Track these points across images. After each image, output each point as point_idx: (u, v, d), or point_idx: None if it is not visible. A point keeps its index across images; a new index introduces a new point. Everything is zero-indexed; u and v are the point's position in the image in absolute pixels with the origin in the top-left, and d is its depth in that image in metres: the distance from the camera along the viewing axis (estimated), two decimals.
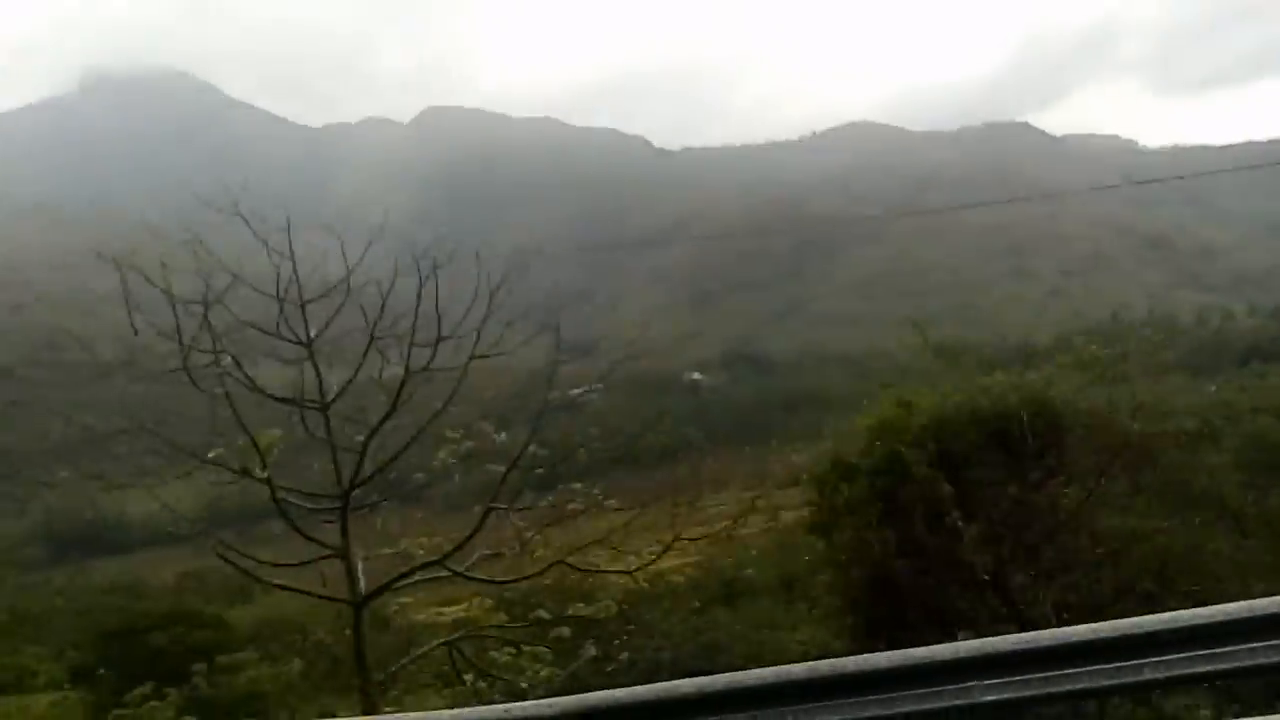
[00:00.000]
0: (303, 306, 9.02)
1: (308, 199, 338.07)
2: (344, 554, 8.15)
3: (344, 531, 8.24)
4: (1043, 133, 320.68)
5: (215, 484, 9.91)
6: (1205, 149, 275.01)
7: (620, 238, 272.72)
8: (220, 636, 26.29)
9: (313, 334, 9.02)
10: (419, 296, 9.22)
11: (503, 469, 9.13)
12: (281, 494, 8.22)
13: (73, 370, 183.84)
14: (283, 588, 9.75)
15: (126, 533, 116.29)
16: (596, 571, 10.59)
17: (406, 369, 8.98)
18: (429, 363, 9.11)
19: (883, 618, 10.58)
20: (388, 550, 9.30)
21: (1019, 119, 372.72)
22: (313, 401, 8.66)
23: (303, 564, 8.82)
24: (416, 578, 8.59)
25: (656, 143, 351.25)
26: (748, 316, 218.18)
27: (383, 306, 9.42)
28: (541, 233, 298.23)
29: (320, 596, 8.97)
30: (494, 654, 10.03)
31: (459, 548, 8.76)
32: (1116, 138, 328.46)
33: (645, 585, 13.09)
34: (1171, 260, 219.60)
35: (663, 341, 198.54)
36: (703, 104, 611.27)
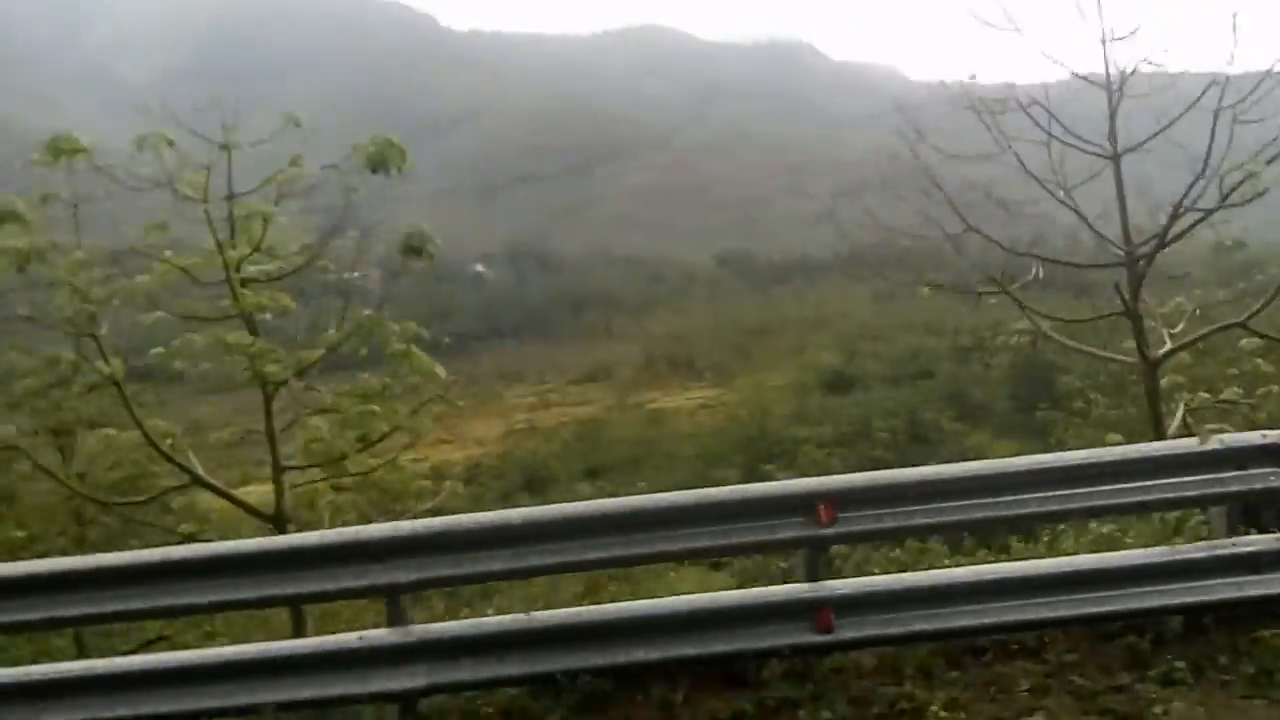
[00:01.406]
0: None
1: (53, 48, 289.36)
2: None
3: None
4: (825, 56, 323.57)
5: None
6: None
7: (403, 119, 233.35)
8: None
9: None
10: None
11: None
12: None
13: None
14: None
15: None
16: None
17: None
18: None
19: None
20: None
21: (803, 39, 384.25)
22: None
23: None
24: None
25: (444, 21, 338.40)
26: (533, 212, 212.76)
27: None
28: (316, 104, 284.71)
29: None
30: None
31: None
32: (890, 68, 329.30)
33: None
34: (932, 192, 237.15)
35: (445, 231, 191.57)
36: None
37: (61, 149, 7.99)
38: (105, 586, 4.50)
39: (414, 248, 8.60)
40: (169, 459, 8.00)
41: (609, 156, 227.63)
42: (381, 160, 8.34)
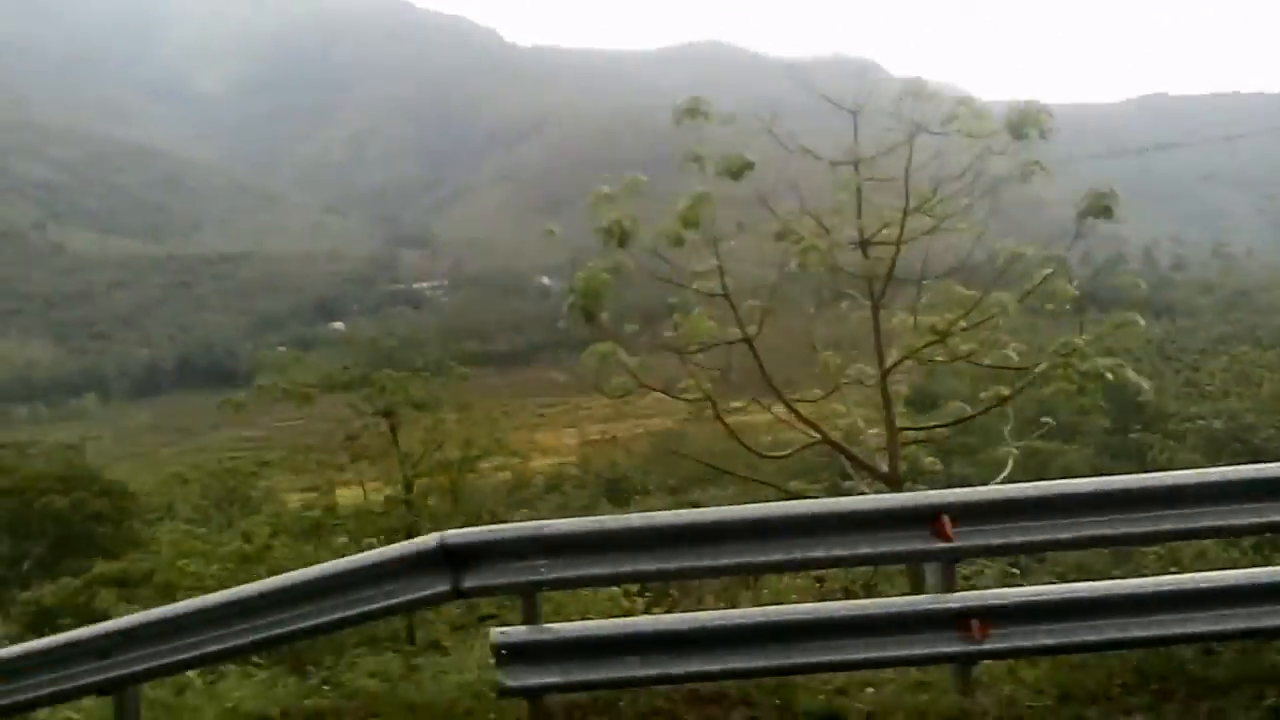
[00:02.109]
0: None
1: (125, 57, 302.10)
2: None
3: None
4: (887, 72, 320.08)
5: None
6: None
7: (466, 131, 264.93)
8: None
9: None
10: None
11: None
12: None
13: None
14: None
15: None
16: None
17: None
18: None
19: None
20: None
21: (866, 56, 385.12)
22: None
23: None
24: None
25: (508, 36, 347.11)
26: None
27: None
28: (380, 117, 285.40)
29: None
30: None
31: None
32: (953, 86, 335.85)
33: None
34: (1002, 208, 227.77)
35: (509, 243, 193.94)
36: (555, 1, 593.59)
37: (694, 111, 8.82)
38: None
39: (1101, 208, 8.27)
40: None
41: (671, 170, 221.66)
42: (1024, 125, 8.37)
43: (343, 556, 6.22)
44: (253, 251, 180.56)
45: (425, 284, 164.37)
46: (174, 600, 7.35)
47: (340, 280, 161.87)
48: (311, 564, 5.42)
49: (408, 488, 13.33)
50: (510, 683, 4.45)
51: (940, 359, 9.34)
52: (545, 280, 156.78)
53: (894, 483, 8.70)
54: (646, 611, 7.85)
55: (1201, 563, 7.86)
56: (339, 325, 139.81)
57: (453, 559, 4.56)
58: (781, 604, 5.63)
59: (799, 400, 9.79)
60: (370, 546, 8.88)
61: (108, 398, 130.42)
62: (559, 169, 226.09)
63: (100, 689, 4.82)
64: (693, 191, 9.09)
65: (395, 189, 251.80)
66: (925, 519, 4.52)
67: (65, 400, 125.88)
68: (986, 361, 9.03)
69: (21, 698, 4.81)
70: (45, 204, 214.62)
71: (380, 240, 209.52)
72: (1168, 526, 4.56)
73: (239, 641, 4.74)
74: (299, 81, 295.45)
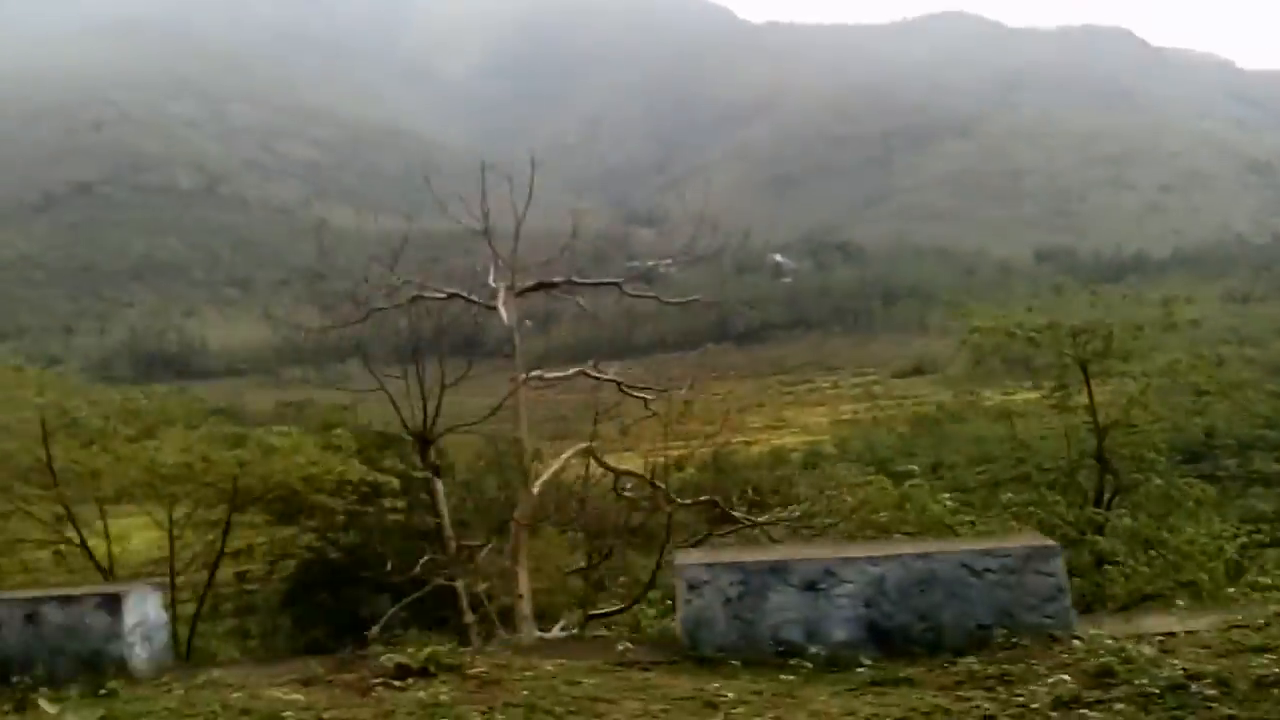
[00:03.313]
0: None
1: (379, 44, 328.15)
2: None
3: None
4: (1142, 41, 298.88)
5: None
6: None
7: (698, 110, 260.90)
8: None
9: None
10: None
11: None
12: None
13: (152, 193, 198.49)
14: None
15: (211, 359, 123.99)
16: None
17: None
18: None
19: None
20: None
21: (1119, 24, 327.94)
22: None
23: None
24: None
25: (741, 13, 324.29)
26: (830, 203, 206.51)
27: None
28: (616, 97, 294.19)
29: None
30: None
31: None
32: (1213, 55, 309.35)
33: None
34: (1274, 186, 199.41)
35: (741, 221, 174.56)
36: None
37: None
38: None
39: None
40: None
41: (908, 146, 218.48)
42: None
43: None
44: (496, 229, 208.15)
45: (658, 261, 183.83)
46: None
47: (576, 258, 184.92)
48: None
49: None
50: None
51: None
52: (779, 258, 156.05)
53: None
54: None
55: None
56: (579, 300, 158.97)
57: None
58: None
59: None
60: None
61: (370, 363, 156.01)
62: (791, 145, 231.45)
63: None
64: None
65: (628, 169, 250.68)
66: None
67: (331, 364, 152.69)
68: None
69: None
70: (311, 182, 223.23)
71: (613, 219, 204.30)
72: None
73: None
74: (538, 66, 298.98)
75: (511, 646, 6.41)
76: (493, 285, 9.63)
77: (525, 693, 4.68)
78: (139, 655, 6.32)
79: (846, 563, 5.31)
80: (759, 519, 11.11)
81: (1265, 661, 4.25)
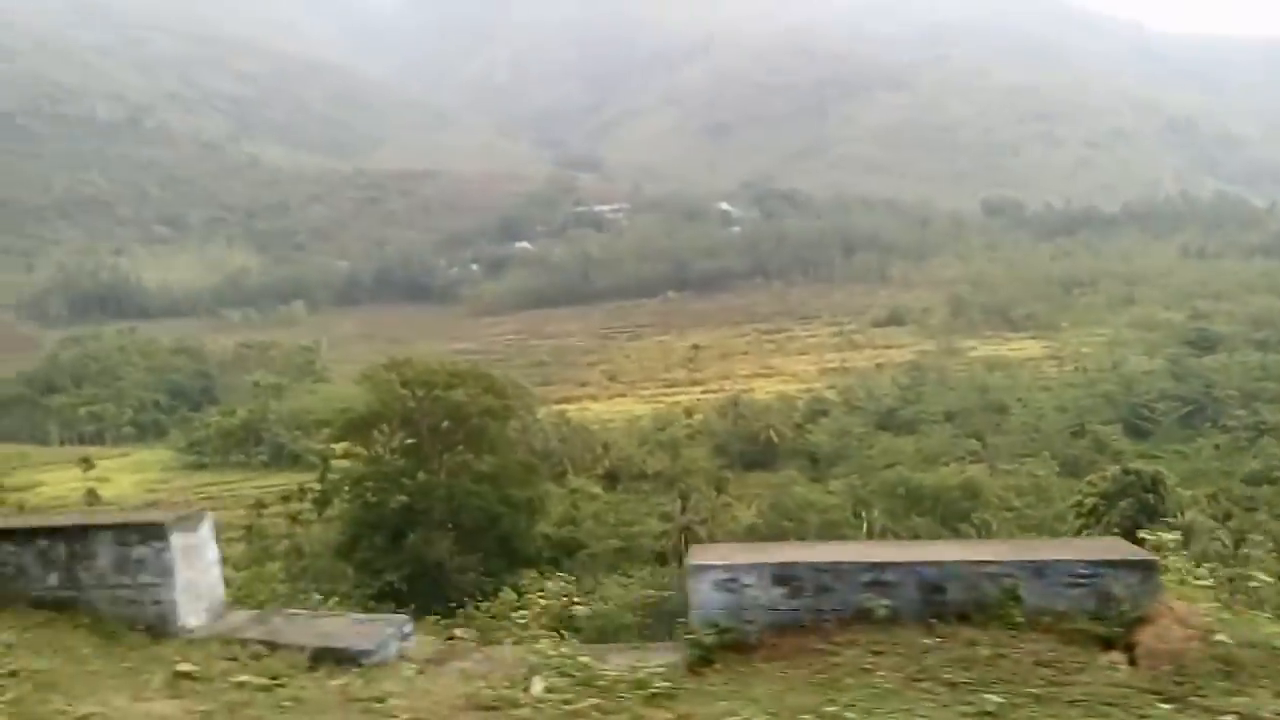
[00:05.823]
0: None
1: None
2: None
3: None
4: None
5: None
6: (1225, 40, 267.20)
7: (630, 50, 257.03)
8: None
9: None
10: None
11: None
12: None
13: (73, 125, 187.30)
14: None
15: (150, 298, 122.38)
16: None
17: None
18: None
19: None
20: None
21: None
22: None
23: None
24: None
25: None
26: (767, 152, 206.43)
27: None
28: (543, 35, 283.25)
29: None
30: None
31: None
32: (1123, 16, 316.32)
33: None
34: (1193, 145, 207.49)
35: (679, 169, 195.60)
36: None
37: None
38: None
39: None
40: None
41: (841, 96, 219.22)
42: None
43: None
44: (437, 170, 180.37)
45: (606, 207, 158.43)
46: None
47: (523, 201, 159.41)
48: None
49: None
50: None
51: None
52: (725, 206, 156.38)
53: None
54: None
55: None
56: (526, 245, 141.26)
57: None
58: None
59: None
60: None
61: (314, 307, 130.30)
62: (724, 93, 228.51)
63: None
64: None
65: (560, 110, 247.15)
66: None
67: (274, 306, 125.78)
68: None
69: None
70: (235, 117, 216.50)
71: (549, 162, 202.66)
72: None
73: None
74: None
75: None
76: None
77: None
78: None
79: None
80: None
81: None
